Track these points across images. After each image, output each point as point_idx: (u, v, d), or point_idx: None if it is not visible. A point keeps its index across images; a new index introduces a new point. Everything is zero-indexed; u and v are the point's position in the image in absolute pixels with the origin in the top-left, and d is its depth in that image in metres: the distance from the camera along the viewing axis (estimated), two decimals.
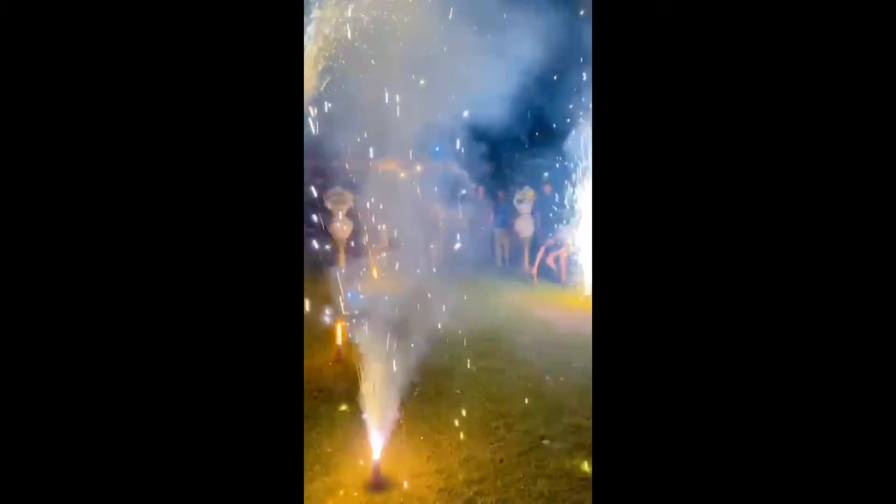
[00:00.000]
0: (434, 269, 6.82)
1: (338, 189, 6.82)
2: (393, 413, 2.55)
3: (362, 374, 2.61)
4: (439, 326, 4.11)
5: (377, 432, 2.43)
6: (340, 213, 6.96)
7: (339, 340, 3.94)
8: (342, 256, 7.33)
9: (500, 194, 7.96)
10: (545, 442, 2.74)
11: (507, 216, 7.61)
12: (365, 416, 2.47)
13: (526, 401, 3.20)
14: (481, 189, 7.87)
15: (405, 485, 2.33)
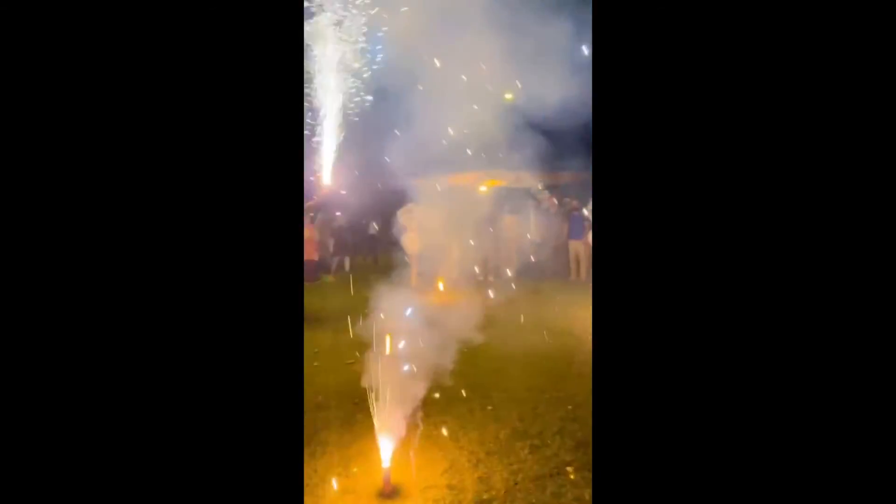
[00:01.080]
0: (501, 283, 6.77)
1: (410, 205, 7.12)
2: (405, 423, 2.60)
3: (383, 381, 2.70)
4: (491, 340, 4.08)
5: (389, 441, 2.50)
6: (412, 229, 7.23)
7: (387, 350, 4.10)
8: (414, 270, 7.59)
9: (575, 204, 7.68)
10: (569, 468, 2.59)
11: (581, 227, 7.31)
12: (377, 423, 2.55)
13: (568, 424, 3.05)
14: (554, 200, 7.66)
15: (413, 496, 2.36)
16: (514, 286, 6.63)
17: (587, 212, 6.95)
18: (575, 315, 5.74)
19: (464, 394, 3.44)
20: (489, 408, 3.31)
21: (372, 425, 2.63)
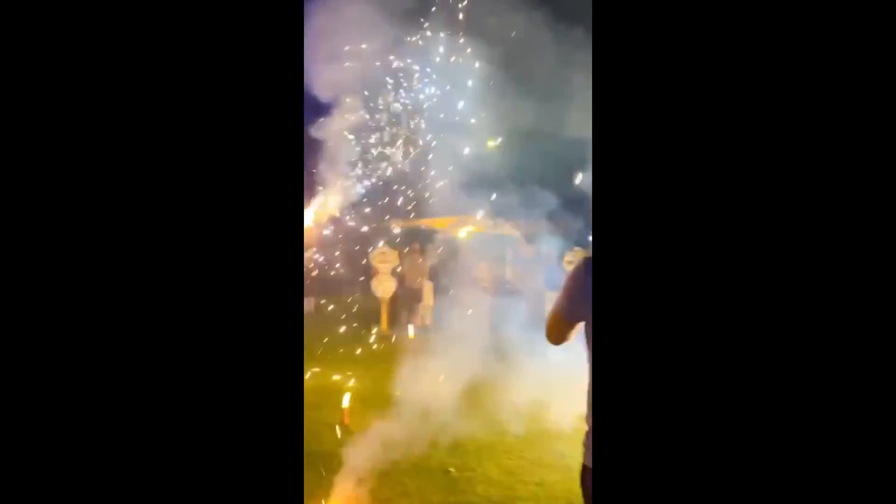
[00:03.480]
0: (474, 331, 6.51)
1: (383, 247, 6.89)
2: None
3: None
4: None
5: None
6: (383, 272, 6.98)
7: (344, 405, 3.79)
8: (384, 317, 7.22)
9: (552, 254, 7.58)
10: None
11: (557, 277, 7.18)
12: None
13: None
14: (532, 249, 7.56)
15: None
16: (487, 334, 6.36)
17: (565, 262, 6.84)
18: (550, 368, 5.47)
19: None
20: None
21: None
